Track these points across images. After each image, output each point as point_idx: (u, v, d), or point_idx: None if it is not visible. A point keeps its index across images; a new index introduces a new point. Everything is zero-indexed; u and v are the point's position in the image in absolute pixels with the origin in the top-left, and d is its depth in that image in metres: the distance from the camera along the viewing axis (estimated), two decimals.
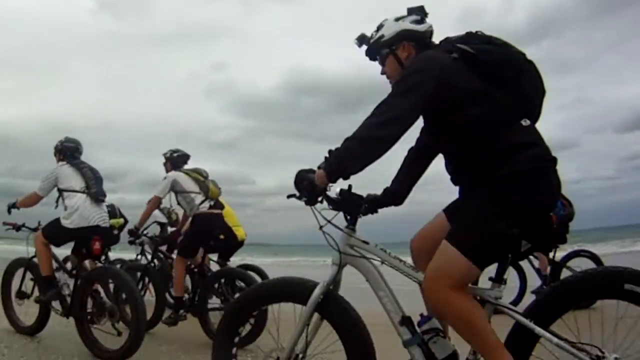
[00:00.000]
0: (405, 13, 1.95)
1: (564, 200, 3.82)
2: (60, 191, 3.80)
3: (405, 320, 1.78)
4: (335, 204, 1.86)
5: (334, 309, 1.87)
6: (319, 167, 1.74)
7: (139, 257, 6.52)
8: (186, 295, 4.33)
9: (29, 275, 4.04)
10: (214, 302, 4.27)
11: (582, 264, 4.80)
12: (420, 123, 1.89)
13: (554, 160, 1.70)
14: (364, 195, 2.00)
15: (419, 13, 1.95)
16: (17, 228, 4.16)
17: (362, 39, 2.01)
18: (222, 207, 4.43)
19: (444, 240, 1.69)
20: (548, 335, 1.59)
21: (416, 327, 1.77)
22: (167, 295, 4.53)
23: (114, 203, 6.62)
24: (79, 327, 3.54)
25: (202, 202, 4.28)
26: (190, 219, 4.38)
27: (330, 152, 1.73)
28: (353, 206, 1.90)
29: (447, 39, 1.89)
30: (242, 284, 4.17)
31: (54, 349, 3.59)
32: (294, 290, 1.93)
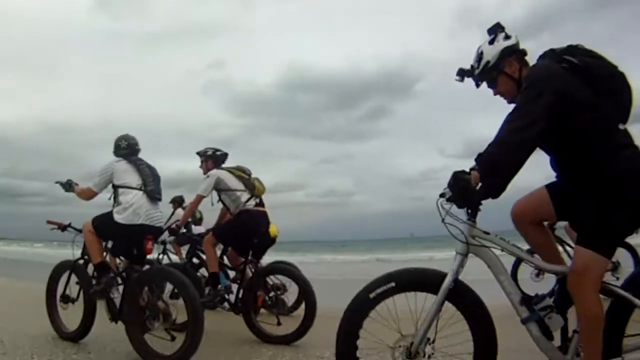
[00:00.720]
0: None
1: None
2: (115, 187, 3.72)
3: (525, 300, 1.99)
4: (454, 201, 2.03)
5: (464, 297, 2.02)
6: (471, 169, 1.94)
7: (161, 256, 6.39)
8: (230, 296, 4.33)
9: (74, 278, 3.88)
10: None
11: None
12: None
13: None
14: None
15: (500, 29, 2.14)
16: (63, 228, 3.99)
17: (463, 73, 2.20)
18: (264, 205, 4.44)
19: (577, 246, 1.90)
20: None
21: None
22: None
23: None
24: (130, 332, 3.38)
25: (248, 199, 4.27)
26: (235, 214, 4.33)
27: (479, 155, 1.90)
28: (473, 200, 2.04)
29: (552, 50, 2.09)
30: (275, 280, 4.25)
31: (100, 354, 3.49)
32: (424, 279, 2.05)
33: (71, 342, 3.72)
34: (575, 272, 1.88)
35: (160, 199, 3.83)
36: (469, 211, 2.07)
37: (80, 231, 3.93)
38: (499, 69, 2.09)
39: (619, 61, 2.05)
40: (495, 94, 2.16)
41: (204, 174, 4.47)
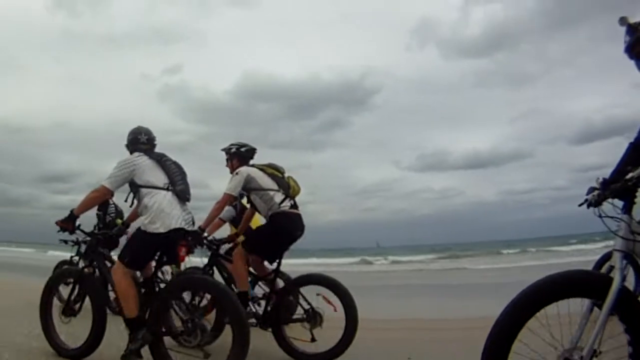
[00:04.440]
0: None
1: None
2: (137, 187, 3.17)
3: None
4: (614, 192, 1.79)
5: (628, 304, 1.73)
6: None
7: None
8: (256, 307, 3.86)
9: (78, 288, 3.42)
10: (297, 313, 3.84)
11: None
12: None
13: None
14: None
15: None
16: (72, 231, 3.37)
17: (630, 28, 2.05)
18: (297, 207, 3.95)
19: None
20: None
21: None
22: None
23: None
24: (154, 349, 2.96)
25: (283, 200, 3.79)
26: (269, 217, 3.85)
27: None
28: (627, 193, 1.79)
29: None
30: None
31: None
32: (589, 284, 1.74)
33: None
34: None
35: (189, 200, 3.31)
36: (625, 204, 1.80)
37: (89, 235, 3.55)
38: None
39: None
40: None
41: (231, 172, 3.96)
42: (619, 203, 1.84)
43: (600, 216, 1.81)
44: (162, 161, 3.26)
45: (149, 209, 3.07)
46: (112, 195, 3.28)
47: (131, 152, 3.35)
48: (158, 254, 3.17)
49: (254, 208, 3.99)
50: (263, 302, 3.88)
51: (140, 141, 3.39)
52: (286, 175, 3.98)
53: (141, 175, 3.15)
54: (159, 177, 3.18)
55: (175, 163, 3.33)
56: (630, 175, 1.73)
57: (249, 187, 3.83)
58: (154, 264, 3.25)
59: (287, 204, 3.80)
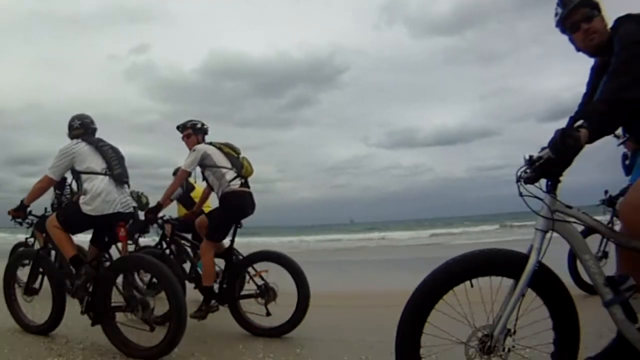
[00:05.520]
0: None
1: None
2: (77, 173, 3.29)
3: (610, 281, 1.78)
4: (540, 169, 1.75)
5: (547, 281, 1.77)
6: (580, 127, 1.68)
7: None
8: (216, 285, 3.88)
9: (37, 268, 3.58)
10: (248, 288, 3.89)
11: None
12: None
13: None
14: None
15: None
16: (24, 217, 3.56)
17: None
18: (249, 187, 3.96)
19: None
20: None
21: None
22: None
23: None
24: (105, 325, 3.09)
25: (234, 178, 3.82)
26: (217, 198, 3.91)
27: (584, 113, 1.79)
28: (556, 164, 1.77)
29: (629, 15, 1.94)
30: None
31: (70, 348, 3.14)
32: (504, 262, 1.76)
33: (37, 336, 3.41)
34: None
35: (128, 183, 3.44)
36: (549, 183, 1.80)
37: (40, 218, 3.78)
38: (598, 10, 1.98)
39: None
40: (583, 30, 1.97)
41: (189, 149, 3.99)
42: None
43: (520, 195, 1.79)
44: (99, 146, 3.37)
45: (88, 192, 3.21)
46: (54, 183, 3.42)
47: (71, 139, 3.45)
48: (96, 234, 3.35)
49: (208, 185, 4.02)
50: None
51: (74, 127, 3.52)
52: (241, 156, 4.04)
53: (81, 162, 3.28)
54: (97, 163, 3.31)
55: (112, 147, 3.44)
56: (536, 155, 1.73)
57: (204, 164, 3.88)
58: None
59: (237, 182, 3.84)
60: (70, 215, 3.25)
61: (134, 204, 3.43)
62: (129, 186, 3.47)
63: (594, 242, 3.57)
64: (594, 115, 1.71)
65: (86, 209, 3.16)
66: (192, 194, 5.53)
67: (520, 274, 1.71)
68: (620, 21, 1.94)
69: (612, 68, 1.79)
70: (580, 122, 1.69)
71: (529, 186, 1.80)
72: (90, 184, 3.22)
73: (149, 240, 5.63)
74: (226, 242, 3.95)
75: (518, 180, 1.81)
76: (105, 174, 3.28)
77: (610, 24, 1.98)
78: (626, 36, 1.82)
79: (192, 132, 4.09)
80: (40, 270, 3.57)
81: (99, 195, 3.18)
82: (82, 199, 3.21)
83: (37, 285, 3.59)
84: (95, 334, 3.18)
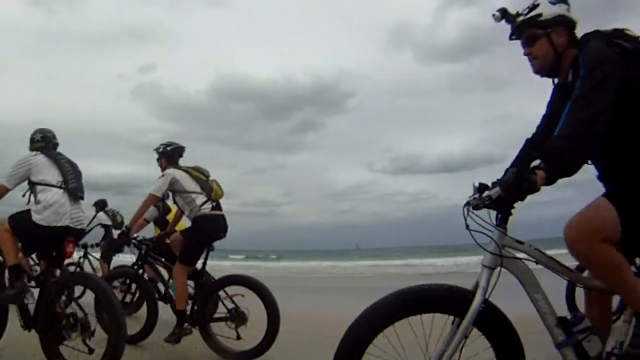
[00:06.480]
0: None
1: None
2: (33, 184, 3.30)
3: (562, 322, 1.68)
4: (489, 202, 1.63)
5: (493, 321, 1.66)
6: (536, 168, 1.54)
7: (82, 260, 6.40)
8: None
9: None
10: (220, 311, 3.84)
11: None
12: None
13: None
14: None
15: (566, 3, 1.84)
16: None
17: (504, 14, 1.87)
18: (221, 209, 3.96)
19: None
20: None
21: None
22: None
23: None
24: (44, 342, 3.05)
25: (204, 203, 3.81)
26: (190, 221, 3.90)
27: (542, 150, 1.59)
28: (505, 203, 1.66)
29: (599, 32, 1.81)
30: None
31: None
32: (448, 299, 1.66)
33: None
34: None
35: (82, 198, 3.44)
36: (499, 215, 1.70)
37: None
38: (546, 30, 1.79)
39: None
40: (525, 54, 1.85)
41: (161, 171, 3.99)
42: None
43: (467, 228, 1.67)
44: (57, 160, 3.39)
45: (42, 203, 3.20)
46: (7, 192, 3.33)
47: (31, 151, 3.45)
48: (46, 248, 3.27)
49: (179, 209, 4.04)
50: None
51: (35, 140, 3.53)
52: (211, 178, 4.03)
53: (37, 173, 3.28)
54: (53, 175, 3.31)
55: (69, 162, 3.45)
56: (486, 193, 1.61)
57: (173, 189, 3.88)
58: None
59: (208, 206, 3.82)
60: (21, 221, 3.21)
61: (84, 221, 3.43)
62: (83, 200, 3.45)
63: None
64: (553, 154, 1.56)
65: (36, 217, 3.15)
66: (168, 216, 5.49)
67: (464, 313, 1.61)
68: (586, 38, 1.79)
69: (575, 96, 1.63)
70: (536, 163, 1.55)
71: (478, 219, 1.70)
72: (44, 195, 3.22)
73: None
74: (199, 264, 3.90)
75: (465, 205, 1.71)
76: (60, 187, 3.28)
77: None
78: (590, 58, 1.67)
79: (162, 155, 4.10)
80: None
81: (51, 206, 3.18)
82: (34, 208, 3.20)
83: None
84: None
